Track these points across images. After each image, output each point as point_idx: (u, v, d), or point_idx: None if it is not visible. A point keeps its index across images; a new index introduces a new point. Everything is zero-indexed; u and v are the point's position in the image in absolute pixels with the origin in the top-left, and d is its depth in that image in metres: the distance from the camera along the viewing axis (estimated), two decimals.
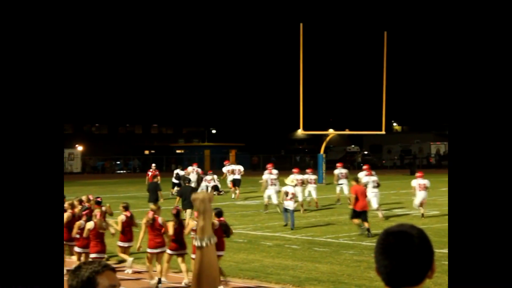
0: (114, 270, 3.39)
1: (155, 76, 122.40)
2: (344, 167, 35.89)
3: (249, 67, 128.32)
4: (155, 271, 16.60)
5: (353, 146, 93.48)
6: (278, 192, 30.02)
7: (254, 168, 73.41)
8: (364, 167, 32.57)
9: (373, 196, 28.03)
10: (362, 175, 29.57)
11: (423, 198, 28.29)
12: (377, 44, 54.57)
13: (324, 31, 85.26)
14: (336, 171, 35.45)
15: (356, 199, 23.21)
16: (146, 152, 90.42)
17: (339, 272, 16.99)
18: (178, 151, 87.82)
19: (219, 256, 15.81)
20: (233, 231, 24.55)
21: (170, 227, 16.30)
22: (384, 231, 3.31)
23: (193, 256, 15.07)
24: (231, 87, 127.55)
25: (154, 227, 16.49)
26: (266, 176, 32.05)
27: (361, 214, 23.20)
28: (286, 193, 25.27)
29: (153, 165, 40.31)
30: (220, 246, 15.67)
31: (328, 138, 58.10)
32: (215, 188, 42.16)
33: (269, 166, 33.37)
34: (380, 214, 28.09)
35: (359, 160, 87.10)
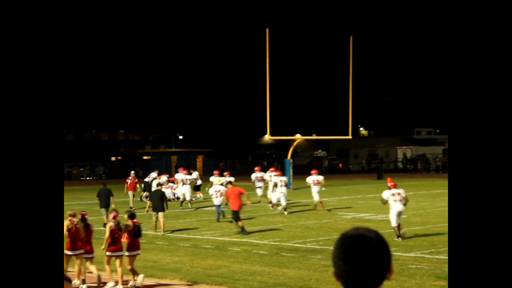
0: (70, 280, 3.34)
1: (121, 82, 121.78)
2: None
3: (215, 73, 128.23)
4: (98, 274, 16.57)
5: (320, 151, 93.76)
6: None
7: (221, 174, 73.14)
8: (271, 168, 38.08)
9: (282, 196, 32.42)
10: (272, 175, 34.99)
11: (317, 192, 33.76)
12: (343, 49, 54.82)
13: (290, 36, 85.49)
14: (253, 175, 39.29)
15: (230, 200, 25.44)
16: (113, 158, 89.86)
17: (307, 277, 16.97)
18: (145, 157, 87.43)
19: (135, 255, 16.80)
20: (201, 237, 24.63)
21: (81, 231, 16.89)
22: (342, 235, 3.30)
23: (120, 253, 16.52)
24: (197, 93, 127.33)
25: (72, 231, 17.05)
26: (181, 176, 37.50)
27: (235, 213, 25.25)
28: (215, 192, 28.95)
29: (132, 172, 39.71)
30: (135, 246, 16.79)
31: (295, 143, 58.18)
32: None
33: (180, 169, 39.62)
34: (285, 212, 32.21)
35: (326, 165, 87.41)
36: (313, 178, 34.52)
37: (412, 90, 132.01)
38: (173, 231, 26.25)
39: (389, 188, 22.63)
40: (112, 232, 16.43)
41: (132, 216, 17.21)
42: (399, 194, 22.39)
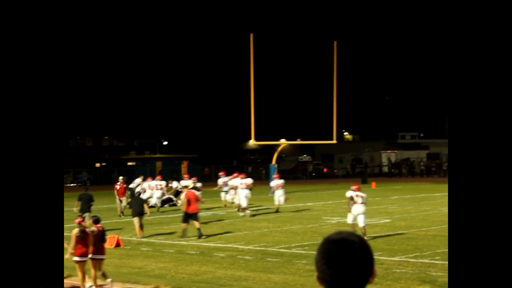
0: None
1: (106, 88, 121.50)
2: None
3: (199, 78, 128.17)
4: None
5: (305, 155, 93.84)
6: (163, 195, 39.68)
7: (206, 179, 73.14)
8: (235, 174, 39.02)
9: (243, 196, 34.06)
10: (236, 179, 36.20)
11: (280, 196, 35.83)
12: (327, 54, 54.94)
13: (275, 41, 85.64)
14: (220, 180, 40.80)
15: (188, 203, 26.20)
16: (97, 164, 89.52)
17: (292, 282, 16.97)
18: (129, 164, 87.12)
19: (101, 260, 16.96)
20: (185, 243, 24.58)
21: None
22: (325, 239, 3.31)
23: (86, 258, 16.64)
24: (182, 98, 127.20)
25: None
26: (149, 183, 39.74)
27: (191, 215, 26.05)
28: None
29: (121, 178, 39.01)
30: (100, 251, 16.98)
31: (280, 148, 58.18)
32: (168, 200, 41.93)
33: (148, 178, 41.96)
34: (248, 212, 33.51)
35: (311, 170, 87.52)
36: (276, 182, 36.48)
37: (396, 95, 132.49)
38: (150, 236, 26.20)
39: (354, 190, 24.12)
40: (77, 238, 16.49)
41: (96, 221, 17.44)
42: (361, 197, 23.88)
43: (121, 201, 36.28)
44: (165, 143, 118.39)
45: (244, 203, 34.15)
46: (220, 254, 21.61)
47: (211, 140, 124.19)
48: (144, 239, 25.45)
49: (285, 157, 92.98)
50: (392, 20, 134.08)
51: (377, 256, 19.75)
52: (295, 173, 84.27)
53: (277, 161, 56.80)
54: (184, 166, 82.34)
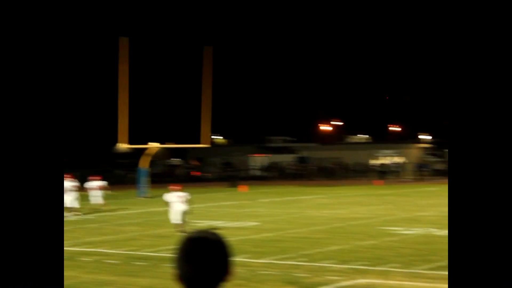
0: None
1: None
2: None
3: (67, 81, 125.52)
4: None
5: (175, 159, 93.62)
6: None
7: None
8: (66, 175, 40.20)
9: (74, 199, 36.27)
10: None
11: (101, 196, 39.30)
12: (200, 59, 54.99)
13: (147, 44, 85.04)
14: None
15: None
16: None
17: (159, 285, 16.89)
18: None
19: None
20: None
21: None
22: (185, 238, 3.36)
23: None
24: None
25: None
26: None
27: None
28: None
29: None
30: None
31: (151, 152, 57.77)
32: None
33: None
34: (70, 214, 35.10)
35: (182, 173, 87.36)
36: (96, 184, 39.69)
37: (268, 99, 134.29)
38: None
39: (174, 191, 26.36)
40: None
41: None
42: (181, 196, 26.20)
43: None
44: None
45: (70, 205, 35.93)
46: (86, 259, 21.22)
47: (80, 143, 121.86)
48: None
49: (156, 160, 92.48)
50: (266, 24, 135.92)
51: (243, 258, 19.93)
52: (166, 177, 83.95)
53: (149, 165, 56.43)
54: None
